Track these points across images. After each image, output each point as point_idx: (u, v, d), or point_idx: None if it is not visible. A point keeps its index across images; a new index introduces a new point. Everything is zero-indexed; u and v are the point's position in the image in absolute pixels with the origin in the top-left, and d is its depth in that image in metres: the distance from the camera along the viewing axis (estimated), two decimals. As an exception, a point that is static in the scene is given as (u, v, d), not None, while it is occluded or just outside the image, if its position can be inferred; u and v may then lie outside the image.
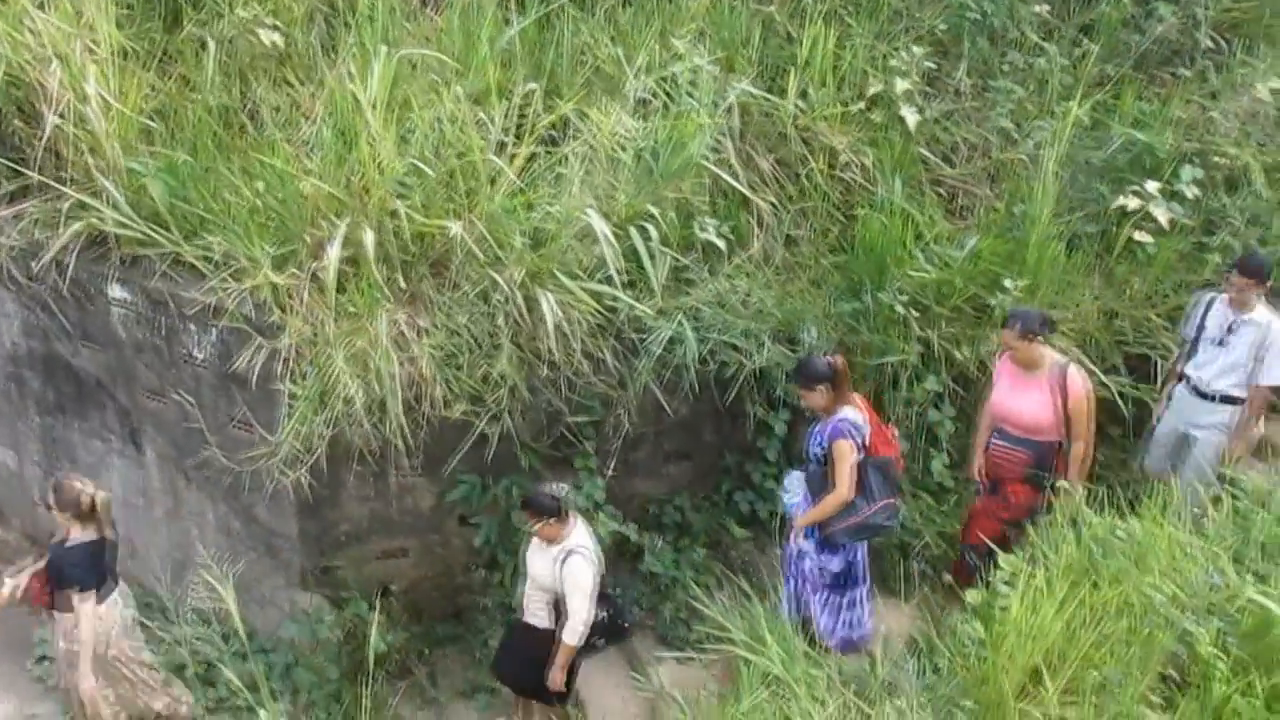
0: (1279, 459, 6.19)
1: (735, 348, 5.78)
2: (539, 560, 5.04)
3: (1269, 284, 5.64)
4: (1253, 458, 6.14)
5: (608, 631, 5.17)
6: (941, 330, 6.01)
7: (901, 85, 6.27)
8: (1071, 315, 6.18)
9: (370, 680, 5.69)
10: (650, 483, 6.25)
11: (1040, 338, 5.23)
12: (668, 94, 5.96)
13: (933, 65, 6.57)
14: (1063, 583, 4.23)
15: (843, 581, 5.35)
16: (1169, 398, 5.97)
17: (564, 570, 4.90)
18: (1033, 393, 5.29)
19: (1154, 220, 6.19)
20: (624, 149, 5.78)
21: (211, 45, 5.81)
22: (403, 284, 5.31)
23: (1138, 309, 6.37)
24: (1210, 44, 6.94)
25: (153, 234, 5.45)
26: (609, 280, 5.44)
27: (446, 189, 5.45)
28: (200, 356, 5.55)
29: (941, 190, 6.58)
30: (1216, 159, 6.57)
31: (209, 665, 5.81)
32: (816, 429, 5.21)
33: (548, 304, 5.29)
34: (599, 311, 5.52)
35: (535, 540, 5.04)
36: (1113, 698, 3.90)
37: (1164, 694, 3.97)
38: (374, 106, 5.27)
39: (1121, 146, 6.48)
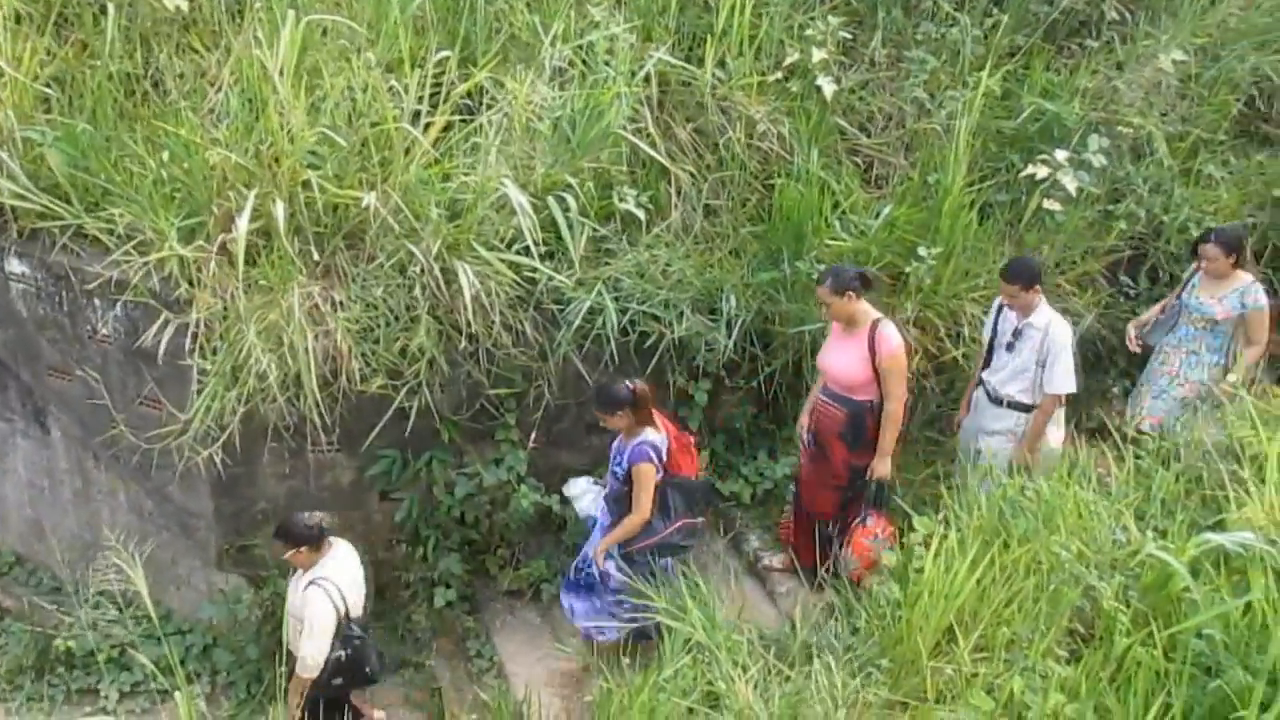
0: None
1: (655, 318, 5.79)
2: (291, 587, 4.94)
3: (1037, 286, 5.45)
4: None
5: (345, 672, 4.88)
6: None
7: (818, 55, 6.29)
8: (984, 282, 6.31)
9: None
10: (573, 454, 6.24)
11: (853, 294, 5.17)
12: (585, 63, 5.90)
13: (848, 35, 6.61)
14: (975, 543, 4.34)
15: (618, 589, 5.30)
16: (970, 404, 5.93)
17: (302, 600, 4.78)
18: (850, 350, 5.27)
19: (1063, 189, 6.33)
20: (541, 118, 5.72)
21: (111, 9, 5.58)
22: (316, 256, 5.21)
23: (1047, 275, 6.52)
24: (1116, 16, 7.07)
25: (52, 206, 5.26)
26: (527, 251, 5.40)
27: (360, 159, 5.35)
28: (106, 332, 5.38)
29: (858, 160, 6.64)
30: (1122, 128, 6.73)
31: (123, 649, 5.69)
32: (616, 446, 5.22)
33: (466, 276, 5.24)
34: (518, 283, 5.49)
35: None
36: (1022, 653, 4.02)
37: (1070, 647, 4.09)
38: (282, 74, 5.13)
39: (1031, 116, 6.61)
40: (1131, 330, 6.32)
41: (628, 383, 5.05)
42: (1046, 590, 4.19)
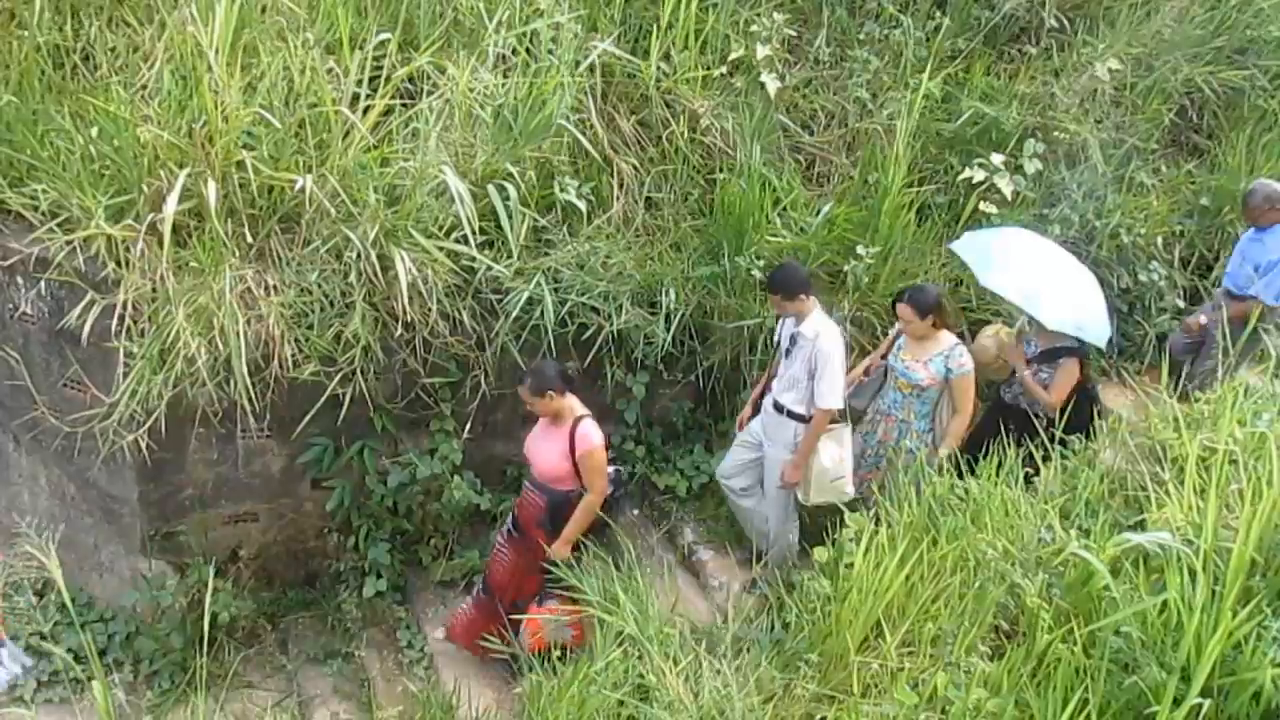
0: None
1: (595, 310, 5.79)
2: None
3: (803, 296, 5.27)
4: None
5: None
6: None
7: (763, 51, 6.32)
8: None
9: (214, 648, 5.56)
10: (509, 445, 6.21)
11: (554, 393, 4.96)
12: (529, 51, 5.86)
13: (793, 33, 6.64)
14: (904, 540, 4.40)
15: None
16: (755, 406, 5.80)
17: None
18: (552, 443, 5.07)
19: (999, 192, 6.44)
20: (483, 106, 5.67)
21: (40, -22, 5.42)
22: (250, 239, 5.10)
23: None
24: (1055, 23, 7.21)
25: (-27, 180, 5.09)
26: (466, 240, 5.35)
27: (297, 141, 5.25)
28: (28, 311, 5.22)
29: (800, 157, 6.68)
30: (1057, 134, 6.87)
31: (43, 636, 5.55)
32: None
33: (403, 263, 5.16)
34: (456, 271, 5.43)
35: None
36: (947, 648, 4.08)
37: (994, 644, 4.16)
38: (217, 51, 5.02)
39: (970, 120, 6.71)
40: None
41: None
42: (973, 587, 4.25)
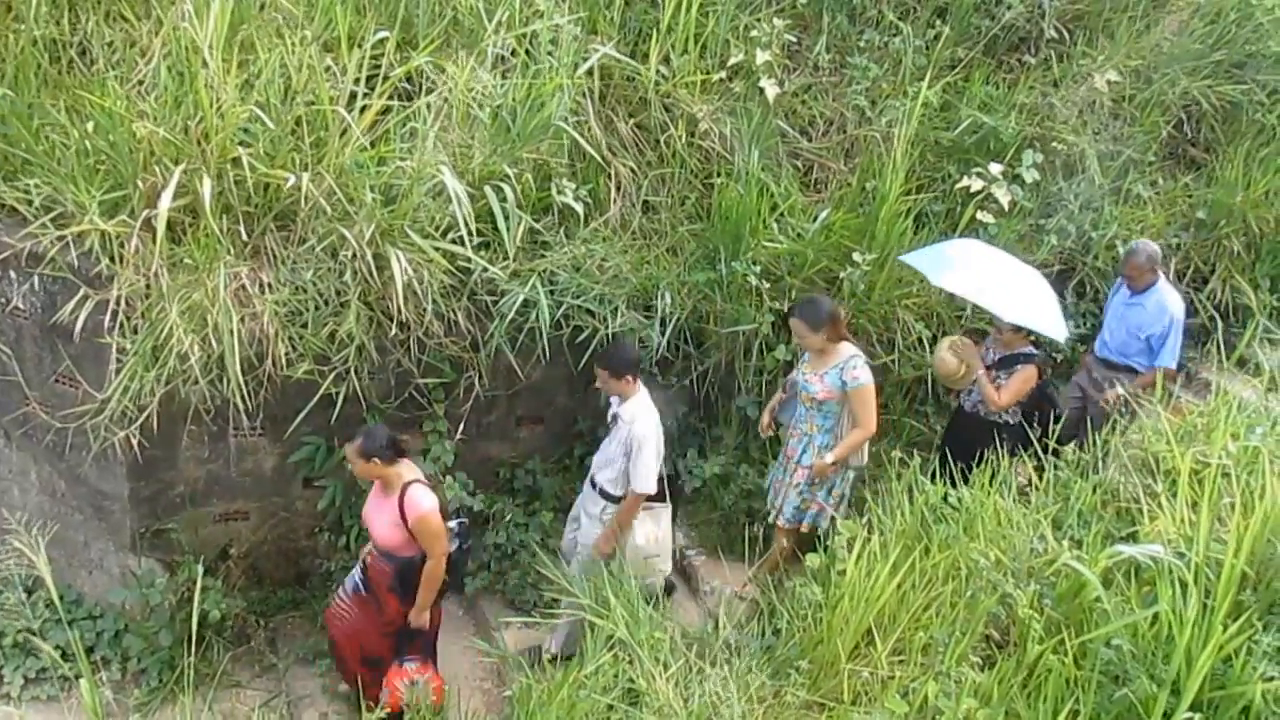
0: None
1: (590, 312, 5.77)
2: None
3: (629, 377, 5.14)
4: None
5: None
6: (793, 301, 6.11)
7: (762, 57, 6.32)
8: (917, 290, 6.39)
9: (203, 646, 5.53)
10: (502, 446, 6.21)
11: (379, 460, 4.76)
12: (528, 52, 5.85)
13: (793, 39, 6.64)
14: (896, 547, 4.39)
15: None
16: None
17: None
18: (385, 512, 4.89)
19: (996, 201, 6.44)
20: (481, 106, 5.66)
21: (37, -29, 5.40)
22: (245, 236, 5.09)
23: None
24: (1054, 34, 7.22)
25: (-34, 173, 5.07)
26: (462, 241, 5.33)
27: (294, 139, 5.24)
28: (20, 306, 5.20)
29: (798, 163, 6.68)
30: (1056, 144, 6.88)
31: (31, 633, 5.52)
32: None
33: (398, 262, 5.15)
34: (452, 272, 5.42)
35: None
36: (938, 657, 4.07)
37: (985, 653, 4.16)
38: (213, 47, 5.00)
39: (969, 128, 6.71)
40: (765, 416, 5.81)
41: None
42: (964, 596, 4.25)
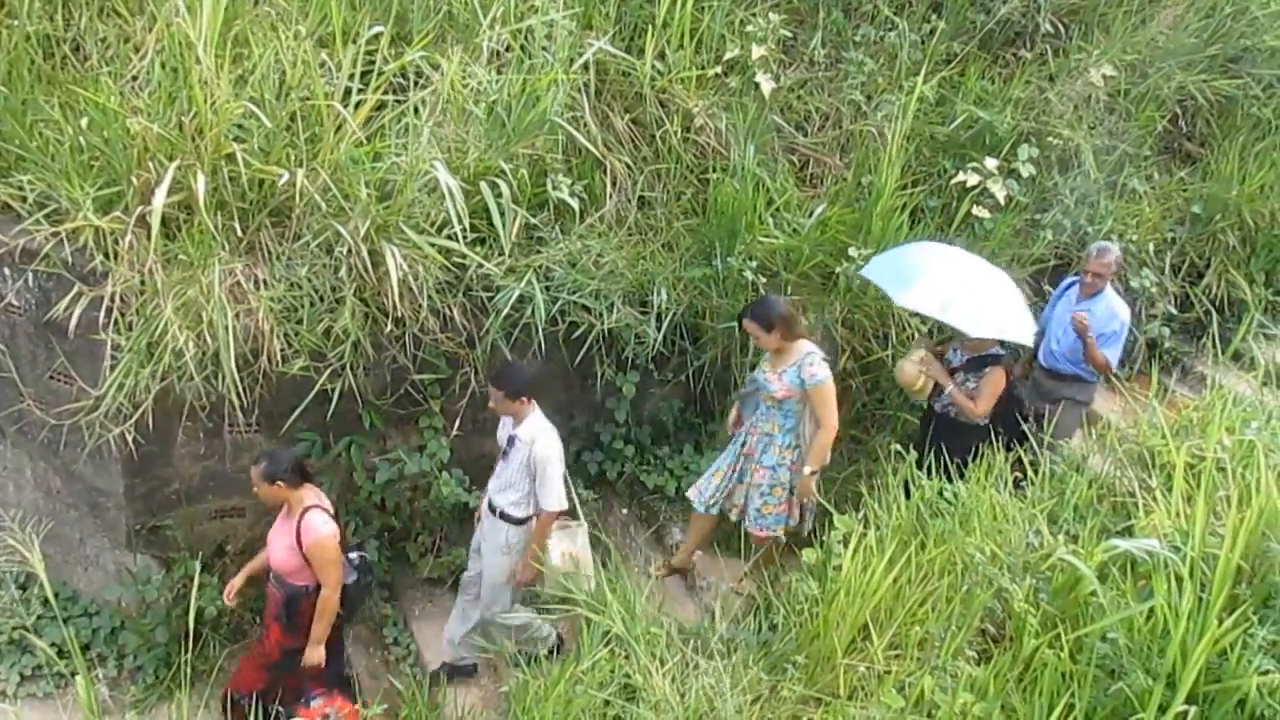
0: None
1: (586, 308, 5.77)
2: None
3: (524, 399, 5.03)
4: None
5: None
6: (788, 296, 6.12)
7: (758, 52, 6.31)
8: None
9: (199, 643, 5.53)
10: (497, 443, 6.19)
11: (284, 483, 4.71)
12: (523, 48, 5.84)
13: (789, 34, 6.63)
14: (893, 542, 4.39)
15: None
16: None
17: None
18: (283, 535, 4.83)
19: (992, 196, 6.44)
20: (476, 102, 5.65)
21: (30, -33, 5.39)
22: (239, 233, 5.07)
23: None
24: (1050, 28, 7.22)
25: (-41, 169, 5.06)
26: (457, 236, 5.32)
27: (289, 135, 5.22)
28: (14, 302, 5.19)
29: (794, 158, 6.67)
30: (1051, 139, 6.88)
31: (26, 630, 5.52)
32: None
33: (394, 258, 5.14)
34: (447, 268, 5.41)
35: None
36: (934, 652, 4.08)
37: (980, 648, 4.17)
38: (206, 43, 4.98)
39: (964, 123, 6.71)
40: (733, 413, 5.81)
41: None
42: (960, 591, 4.26)
